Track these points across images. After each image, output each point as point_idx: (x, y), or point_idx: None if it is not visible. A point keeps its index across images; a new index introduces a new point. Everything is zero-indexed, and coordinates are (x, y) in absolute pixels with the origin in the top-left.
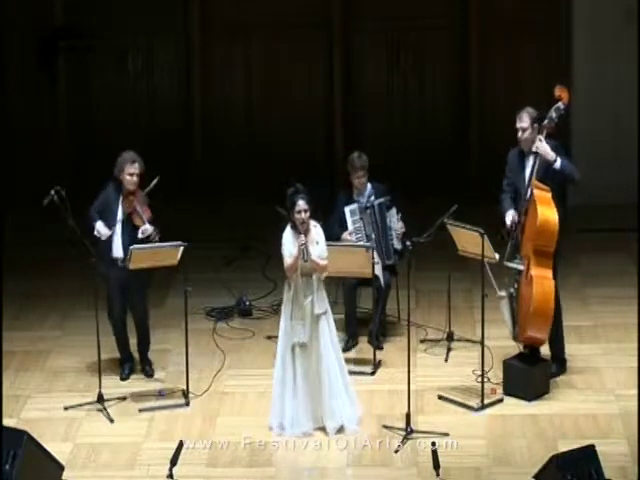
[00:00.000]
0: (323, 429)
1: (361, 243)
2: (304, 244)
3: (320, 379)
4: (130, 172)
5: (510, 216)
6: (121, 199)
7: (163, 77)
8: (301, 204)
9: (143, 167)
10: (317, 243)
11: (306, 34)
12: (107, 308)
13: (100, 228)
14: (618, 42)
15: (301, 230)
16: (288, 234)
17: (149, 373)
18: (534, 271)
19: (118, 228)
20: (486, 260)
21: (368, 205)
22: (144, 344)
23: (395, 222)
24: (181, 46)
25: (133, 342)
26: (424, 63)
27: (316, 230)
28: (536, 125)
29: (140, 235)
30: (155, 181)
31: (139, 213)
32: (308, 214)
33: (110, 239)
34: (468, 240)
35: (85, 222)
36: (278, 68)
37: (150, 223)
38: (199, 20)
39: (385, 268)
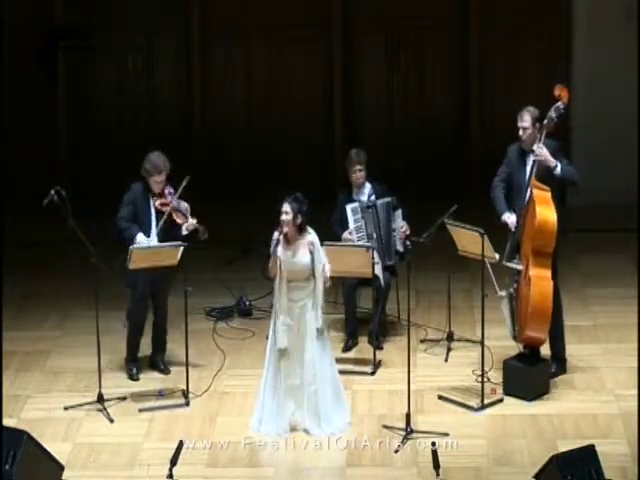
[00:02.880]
0: (300, 431)
1: (361, 243)
2: (275, 239)
3: (307, 384)
4: (157, 181)
5: (511, 219)
6: (152, 200)
7: (163, 77)
8: (283, 206)
9: (169, 169)
10: (310, 252)
11: (306, 34)
12: (131, 309)
13: (142, 238)
14: (618, 42)
15: (281, 231)
16: (275, 236)
17: (165, 371)
18: (532, 271)
19: (154, 234)
20: (486, 260)
21: (370, 204)
22: (164, 342)
23: (399, 223)
24: (181, 46)
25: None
26: (424, 63)
27: (309, 237)
28: (538, 124)
29: (184, 231)
30: (185, 182)
31: (179, 209)
32: (290, 216)
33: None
34: (468, 240)
35: (119, 233)
36: (278, 68)
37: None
38: (199, 20)
39: (385, 268)
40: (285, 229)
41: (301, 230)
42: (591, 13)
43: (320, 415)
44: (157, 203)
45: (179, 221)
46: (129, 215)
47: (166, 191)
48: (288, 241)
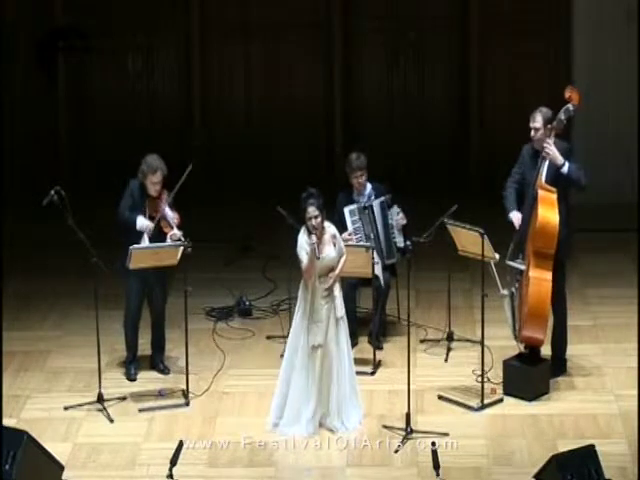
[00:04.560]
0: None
1: (361, 243)
2: (314, 243)
3: (331, 381)
4: (153, 181)
5: (517, 218)
6: (147, 202)
7: (163, 77)
8: (311, 211)
9: (166, 171)
10: (334, 245)
11: (306, 34)
12: (126, 308)
13: (143, 222)
14: (618, 42)
15: (314, 234)
16: (303, 237)
17: (165, 371)
18: (532, 272)
19: (145, 236)
20: (487, 259)
21: (366, 205)
22: (162, 342)
23: (395, 216)
24: (181, 46)
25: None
26: (424, 63)
27: (330, 230)
28: (549, 125)
29: (168, 240)
30: (187, 171)
31: (166, 219)
32: (319, 219)
33: (138, 240)
34: (468, 240)
35: (121, 223)
36: (278, 68)
37: (179, 228)
38: (199, 20)
39: (385, 268)
40: (319, 230)
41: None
42: (591, 13)
43: (342, 411)
44: (149, 208)
45: (165, 230)
46: (130, 207)
47: (162, 197)
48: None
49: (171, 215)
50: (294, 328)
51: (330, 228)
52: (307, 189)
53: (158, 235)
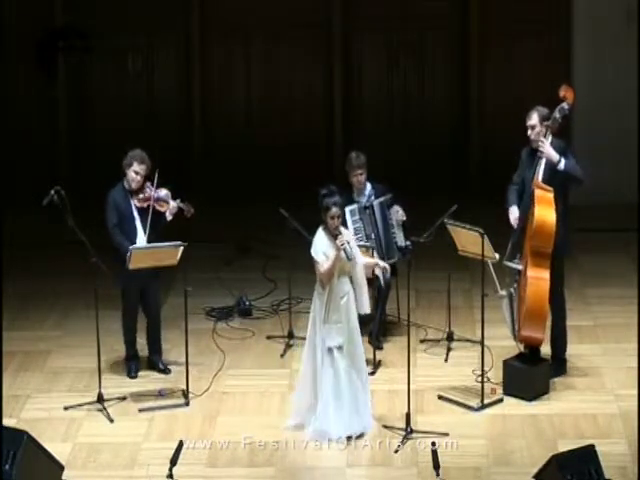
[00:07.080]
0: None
1: (361, 243)
2: (344, 244)
3: (355, 381)
4: (136, 170)
5: (513, 214)
6: (133, 201)
7: (163, 77)
8: (334, 211)
9: (149, 170)
10: (348, 243)
11: (306, 34)
12: (123, 305)
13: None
14: (618, 42)
15: (334, 234)
16: (322, 237)
17: (166, 371)
18: (530, 272)
19: (139, 228)
20: (486, 260)
21: (367, 205)
22: (158, 345)
23: (395, 214)
24: (181, 46)
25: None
26: (424, 63)
27: (345, 231)
28: (545, 123)
29: (169, 216)
30: (156, 175)
31: (158, 198)
32: (341, 219)
33: (133, 240)
34: (468, 240)
35: (114, 243)
36: (278, 68)
37: (174, 198)
38: (199, 20)
39: None
40: (339, 228)
41: None
42: (591, 13)
43: (353, 412)
44: (137, 202)
45: (163, 209)
46: (118, 220)
47: (145, 187)
48: (335, 237)
49: (164, 193)
50: (318, 333)
51: (342, 228)
52: (327, 186)
53: (157, 220)
